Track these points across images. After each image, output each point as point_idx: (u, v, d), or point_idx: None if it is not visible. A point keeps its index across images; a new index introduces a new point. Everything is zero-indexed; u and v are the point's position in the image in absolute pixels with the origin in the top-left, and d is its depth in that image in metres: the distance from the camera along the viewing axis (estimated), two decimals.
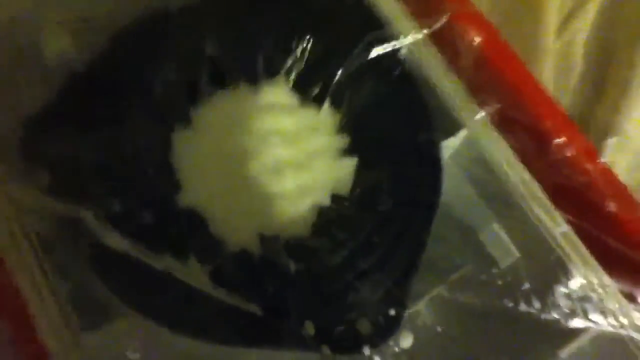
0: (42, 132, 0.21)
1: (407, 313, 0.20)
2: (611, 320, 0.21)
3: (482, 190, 0.24)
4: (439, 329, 0.23)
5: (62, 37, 0.23)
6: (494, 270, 0.23)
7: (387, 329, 0.19)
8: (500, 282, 0.23)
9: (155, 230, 0.20)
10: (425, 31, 0.24)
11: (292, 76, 0.24)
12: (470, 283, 0.24)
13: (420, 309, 0.24)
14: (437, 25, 0.24)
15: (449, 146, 0.24)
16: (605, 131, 0.40)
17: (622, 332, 0.21)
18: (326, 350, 0.19)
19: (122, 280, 0.19)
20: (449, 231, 0.24)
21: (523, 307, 0.21)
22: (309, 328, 0.19)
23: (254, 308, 0.19)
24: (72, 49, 0.23)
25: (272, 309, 0.19)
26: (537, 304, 0.21)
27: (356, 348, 0.19)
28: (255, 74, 0.24)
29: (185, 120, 0.22)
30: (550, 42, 0.43)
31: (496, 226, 0.24)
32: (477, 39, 0.25)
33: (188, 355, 0.20)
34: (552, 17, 0.42)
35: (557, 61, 0.43)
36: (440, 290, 0.23)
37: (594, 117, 0.41)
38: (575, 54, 0.43)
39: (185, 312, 0.19)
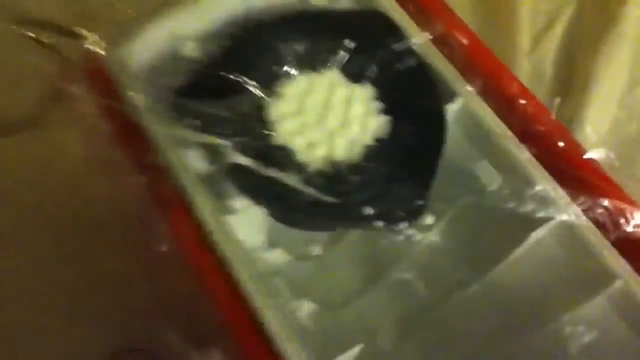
0: (185, 97, 0.32)
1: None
2: (562, 212, 0.31)
3: (474, 140, 0.35)
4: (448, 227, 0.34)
5: (194, 44, 0.35)
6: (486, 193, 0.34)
7: (416, 212, 0.30)
8: (488, 200, 0.34)
9: (264, 155, 0.31)
10: (428, 36, 0.36)
11: (342, 66, 0.36)
12: (470, 204, 0.34)
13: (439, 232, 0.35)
14: (436, 32, 0.36)
15: (451, 109, 0.35)
16: (572, 123, 0.50)
17: (569, 219, 0.31)
18: (379, 224, 0.30)
19: (246, 183, 0.30)
20: (453, 172, 0.35)
21: (504, 206, 0.32)
22: (369, 210, 0.30)
23: (331, 199, 0.30)
24: (198, 51, 0.35)
25: (343, 200, 0.30)
26: (512, 204, 0.32)
27: (398, 222, 0.30)
28: (317, 64, 0.36)
29: (274, 92, 0.34)
30: (522, 60, 0.54)
31: (485, 162, 0.35)
32: (464, 41, 0.37)
33: None
34: (523, 38, 0.54)
35: (529, 76, 0.54)
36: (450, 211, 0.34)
37: (563, 112, 0.51)
38: (544, 67, 0.54)
39: (288, 202, 0.30)
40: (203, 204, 0.29)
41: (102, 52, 0.33)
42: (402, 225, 0.30)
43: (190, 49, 0.34)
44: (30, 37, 0.39)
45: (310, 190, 0.30)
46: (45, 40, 0.44)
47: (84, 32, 0.35)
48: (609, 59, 0.51)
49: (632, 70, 0.52)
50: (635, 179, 0.45)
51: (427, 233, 0.32)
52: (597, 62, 0.51)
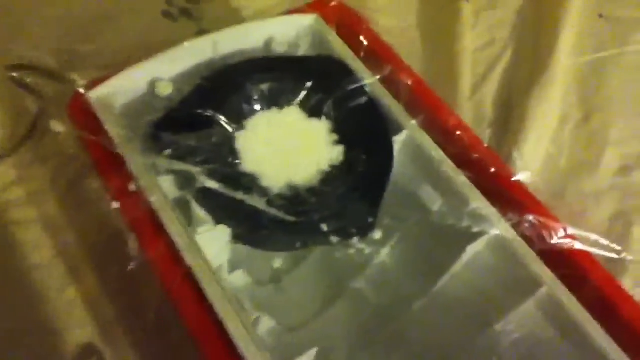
0: (162, 130, 0.36)
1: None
2: (494, 227, 0.36)
3: (418, 166, 0.40)
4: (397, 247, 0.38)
5: (169, 84, 0.39)
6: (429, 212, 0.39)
7: (367, 228, 0.34)
8: (432, 219, 0.38)
9: (231, 180, 0.35)
10: (377, 77, 0.41)
11: (302, 104, 0.40)
12: (415, 224, 0.39)
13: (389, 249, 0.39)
14: (383, 74, 0.42)
15: (398, 140, 0.40)
16: (509, 158, 0.55)
17: (500, 233, 0.36)
18: (334, 239, 0.34)
19: (214, 205, 0.34)
20: (400, 195, 0.39)
21: (445, 223, 0.37)
22: (324, 228, 0.34)
23: (292, 218, 0.34)
24: (172, 91, 0.39)
25: (302, 219, 0.34)
26: (451, 221, 0.37)
27: (351, 237, 0.34)
28: (280, 102, 0.40)
29: (242, 126, 0.38)
30: (465, 100, 0.60)
31: (427, 185, 0.39)
32: (409, 81, 0.42)
33: None
34: (466, 82, 0.60)
35: (472, 113, 0.59)
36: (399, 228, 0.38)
37: (501, 150, 0.52)
38: (485, 108, 0.59)
39: (252, 221, 0.34)
40: (174, 225, 0.32)
41: (86, 92, 0.37)
42: (355, 240, 0.34)
43: (166, 89, 0.38)
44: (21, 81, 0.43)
45: (272, 211, 0.34)
46: (33, 82, 0.48)
47: (73, 75, 0.39)
48: (540, 101, 0.55)
49: (562, 110, 0.57)
50: (556, 197, 0.50)
51: (377, 247, 0.36)
52: (531, 103, 0.54)
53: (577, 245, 0.36)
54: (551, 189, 0.51)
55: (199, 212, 0.34)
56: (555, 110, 0.56)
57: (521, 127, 0.53)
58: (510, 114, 0.55)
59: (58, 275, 0.42)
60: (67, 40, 0.53)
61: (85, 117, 0.37)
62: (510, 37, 0.61)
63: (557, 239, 0.36)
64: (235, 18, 0.60)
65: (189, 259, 0.32)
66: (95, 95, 0.37)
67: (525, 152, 0.52)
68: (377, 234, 0.35)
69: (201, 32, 0.49)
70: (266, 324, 0.34)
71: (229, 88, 0.38)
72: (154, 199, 0.33)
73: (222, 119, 0.37)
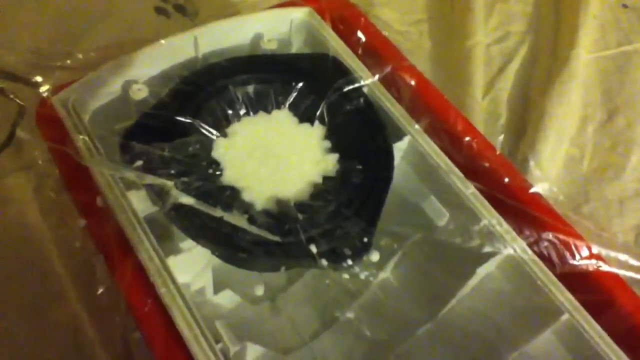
0: (133, 139, 0.32)
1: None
2: (508, 246, 0.32)
3: (422, 176, 0.36)
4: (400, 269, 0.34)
5: (144, 88, 0.35)
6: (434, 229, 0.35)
7: (362, 250, 0.30)
8: (437, 236, 0.34)
9: (209, 195, 0.31)
10: (376, 77, 0.37)
11: (293, 107, 0.36)
12: (417, 242, 0.35)
13: (388, 270, 0.35)
14: (383, 73, 0.37)
15: (399, 148, 0.36)
16: (525, 165, 0.51)
17: (515, 254, 0.32)
18: (324, 262, 0.29)
19: (188, 223, 0.30)
20: (400, 209, 0.35)
21: (451, 241, 0.32)
22: (313, 249, 0.30)
23: (276, 238, 0.30)
24: (147, 92, 0.35)
25: (289, 238, 0.30)
26: (459, 239, 0.32)
27: (343, 261, 0.30)
28: (268, 105, 0.36)
29: (223, 133, 0.35)
30: (477, 101, 0.55)
31: (432, 198, 0.35)
32: (412, 81, 0.38)
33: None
34: (477, 81, 0.56)
35: (485, 114, 0.55)
36: (401, 252, 0.34)
37: (516, 155, 0.49)
38: (499, 107, 0.55)
39: (231, 241, 0.30)
40: (143, 247, 0.29)
41: (51, 97, 0.33)
42: (348, 263, 0.30)
43: (140, 92, 0.35)
44: None
45: (254, 230, 0.30)
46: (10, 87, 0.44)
47: (38, 78, 0.36)
48: (559, 99, 0.52)
49: (583, 109, 0.53)
50: (579, 212, 0.46)
51: (373, 271, 0.32)
52: (549, 102, 0.52)
53: (604, 267, 0.31)
54: (572, 196, 0.47)
55: (175, 230, 0.30)
56: (576, 109, 0.52)
57: (538, 128, 0.50)
58: (527, 114, 0.52)
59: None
60: (50, 40, 0.49)
61: (52, 124, 0.34)
62: (527, 30, 0.57)
63: (581, 259, 0.32)
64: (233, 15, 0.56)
65: (159, 286, 0.28)
66: (60, 99, 0.33)
67: (543, 155, 0.49)
68: (374, 256, 0.31)
69: None
70: (253, 351, 0.31)
71: (209, 90, 0.35)
72: (122, 217, 0.29)
73: (201, 126, 0.33)
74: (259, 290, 0.34)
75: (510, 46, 0.56)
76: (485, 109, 0.53)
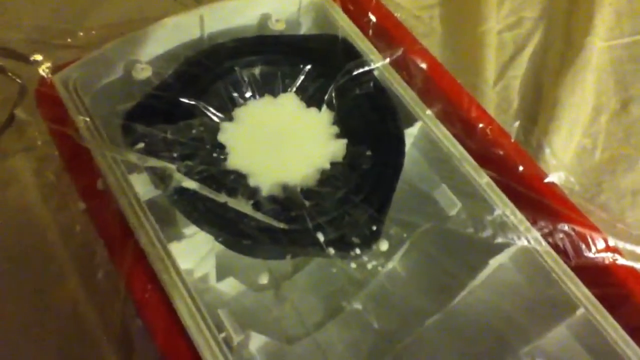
0: (135, 121, 0.31)
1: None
2: (522, 237, 0.30)
3: (433, 164, 0.34)
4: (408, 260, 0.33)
5: (148, 67, 0.33)
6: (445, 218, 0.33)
7: (371, 238, 0.29)
8: (448, 226, 0.33)
9: (213, 179, 0.30)
10: (387, 60, 0.36)
11: (300, 90, 0.35)
12: (429, 234, 0.33)
13: (396, 259, 0.33)
14: (395, 56, 0.36)
15: (410, 134, 0.34)
16: (538, 153, 0.50)
17: (529, 245, 0.30)
18: (331, 251, 0.28)
19: (191, 208, 0.29)
20: (411, 197, 0.34)
21: (463, 231, 0.31)
22: (320, 237, 0.28)
23: (282, 224, 0.29)
24: (151, 72, 0.34)
25: (295, 225, 0.29)
26: (471, 229, 0.31)
27: (351, 250, 0.28)
28: (274, 88, 0.35)
29: (229, 116, 0.33)
30: (489, 88, 0.54)
31: (443, 186, 0.34)
32: (424, 65, 0.36)
33: None
34: (490, 67, 0.54)
35: (497, 101, 0.54)
36: (410, 241, 0.33)
37: (529, 142, 0.49)
38: (511, 95, 0.54)
39: (235, 228, 0.28)
40: (145, 232, 0.27)
41: (51, 76, 0.32)
42: (356, 252, 0.28)
43: (143, 73, 0.33)
44: None
45: (259, 216, 0.29)
46: (11, 66, 0.43)
47: (38, 56, 0.34)
48: (572, 88, 0.50)
49: (597, 98, 0.51)
50: (595, 203, 0.44)
51: (382, 260, 0.30)
52: (563, 90, 0.50)
53: (620, 260, 0.30)
54: (584, 186, 0.46)
55: (177, 215, 0.29)
56: (589, 98, 0.50)
57: (551, 117, 0.48)
58: (539, 103, 0.50)
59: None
60: (55, 17, 0.48)
61: (52, 104, 0.32)
62: (540, 16, 0.55)
63: (597, 251, 0.30)
64: None
65: (160, 272, 0.26)
66: (60, 79, 0.32)
67: (555, 145, 0.47)
68: (383, 245, 0.29)
69: None
70: (257, 341, 0.30)
71: (214, 72, 0.33)
72: (123, 201, 0.28)
73: (206, 108, 0.32)
74: (264, 279, 0.33)
75: (523, 33, 0.55)
76: (496, 97, 0.51)
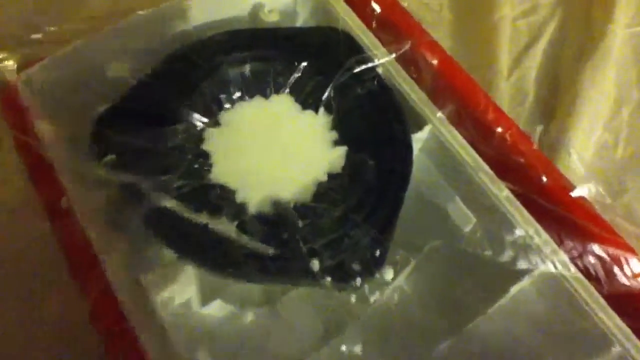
0: (107, 127, 0.26)
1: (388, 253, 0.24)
2: (547, 260, 0.25)
3: (445, 173, 0.29)
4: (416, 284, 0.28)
5: (123, 66, 0.28)
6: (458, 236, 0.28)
7: (373, 265, 0.24)
8: (461, 245, 0.28)
9: (194, 196, 0.25)
10: (393, 55, 0.30)
11: (294, 91, 0.30)
12: (440, 251, 0.28)
13: (401, 279, 0.28)
14: (402, 50, 0.30)
15: (418, 139, 0.29)
16: (556, 147, 0.45)
17: (555, 270, 0.25)
18: (327, 282, 0.23)
19: (172, 231, 0.24)
20: (419, 212, 0.29)
21: (478, 252, 0.26)
22: (314, 265, 0.23)
23: (271, 250, 0.24)
24: (128, 71, 0.28)
25: (286, 251, 0.24)
26: (488, 251, 0.26)
27: (350, 279, 0.23)
28: (266, 88, 0.29)
29: (215, 121, 0.28)
30: (503, 80, 0.49)
31: (456, 199, 0.28)
32: (434, 60, 0.31)
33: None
34: (503, 57, 0.48)
35: (511, 92, 0.48)
36: (417, 260, 0.28)
37: (547, 135, 0.45)
38: (527, 87, 0.48)
39: (217, 254, 0.23)
40: (112, 260, 0.23)
41: (13, 78, 0.27)
42: (356, 283, 0.23)
43: (119, 71, 0.28)
44: None
45: (246, 240, 0.24)
46: None
47: (3, 54, 0.29)
48: (592, 79, 0.45)
49: (618, 91, 0.46)
50: (618, 203, 0.39)
51: (387, 290, 0.25)
52: (581, 82, 0.45)
53: None
54: (606, 185, 0.41)
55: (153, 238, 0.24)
56: (610, 90, 0.46)
57: (570, 110, 0.44)
58: (556, 95, 0.46)
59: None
60: (28, 11, 0.43)
61: (18, 109, 0.28)
62: (557, 2, 0.50)
63: (633, 277, 0.25)
64: None
65: (127, 307, 0.22)
66: (24, 80, 0.27)
67: (575, 142, 0.43)
68: (388, 273, 0.24)
69: None
70: None
71: (198, 69, 0.28)
72: (88, 222, 0.23)
73: (188, 112, 0.27)
74: (256, 296, 0.28)
75: (539, 20, 0.50)
76: (510, 89, 0.46)
